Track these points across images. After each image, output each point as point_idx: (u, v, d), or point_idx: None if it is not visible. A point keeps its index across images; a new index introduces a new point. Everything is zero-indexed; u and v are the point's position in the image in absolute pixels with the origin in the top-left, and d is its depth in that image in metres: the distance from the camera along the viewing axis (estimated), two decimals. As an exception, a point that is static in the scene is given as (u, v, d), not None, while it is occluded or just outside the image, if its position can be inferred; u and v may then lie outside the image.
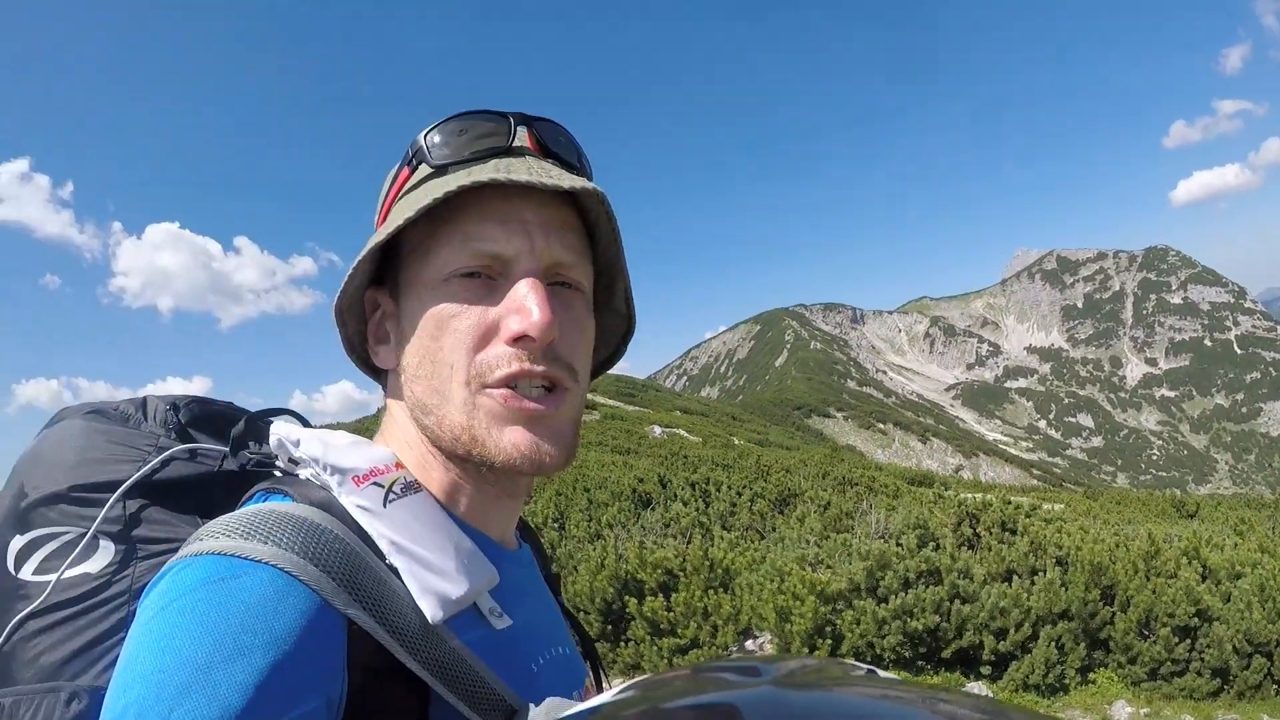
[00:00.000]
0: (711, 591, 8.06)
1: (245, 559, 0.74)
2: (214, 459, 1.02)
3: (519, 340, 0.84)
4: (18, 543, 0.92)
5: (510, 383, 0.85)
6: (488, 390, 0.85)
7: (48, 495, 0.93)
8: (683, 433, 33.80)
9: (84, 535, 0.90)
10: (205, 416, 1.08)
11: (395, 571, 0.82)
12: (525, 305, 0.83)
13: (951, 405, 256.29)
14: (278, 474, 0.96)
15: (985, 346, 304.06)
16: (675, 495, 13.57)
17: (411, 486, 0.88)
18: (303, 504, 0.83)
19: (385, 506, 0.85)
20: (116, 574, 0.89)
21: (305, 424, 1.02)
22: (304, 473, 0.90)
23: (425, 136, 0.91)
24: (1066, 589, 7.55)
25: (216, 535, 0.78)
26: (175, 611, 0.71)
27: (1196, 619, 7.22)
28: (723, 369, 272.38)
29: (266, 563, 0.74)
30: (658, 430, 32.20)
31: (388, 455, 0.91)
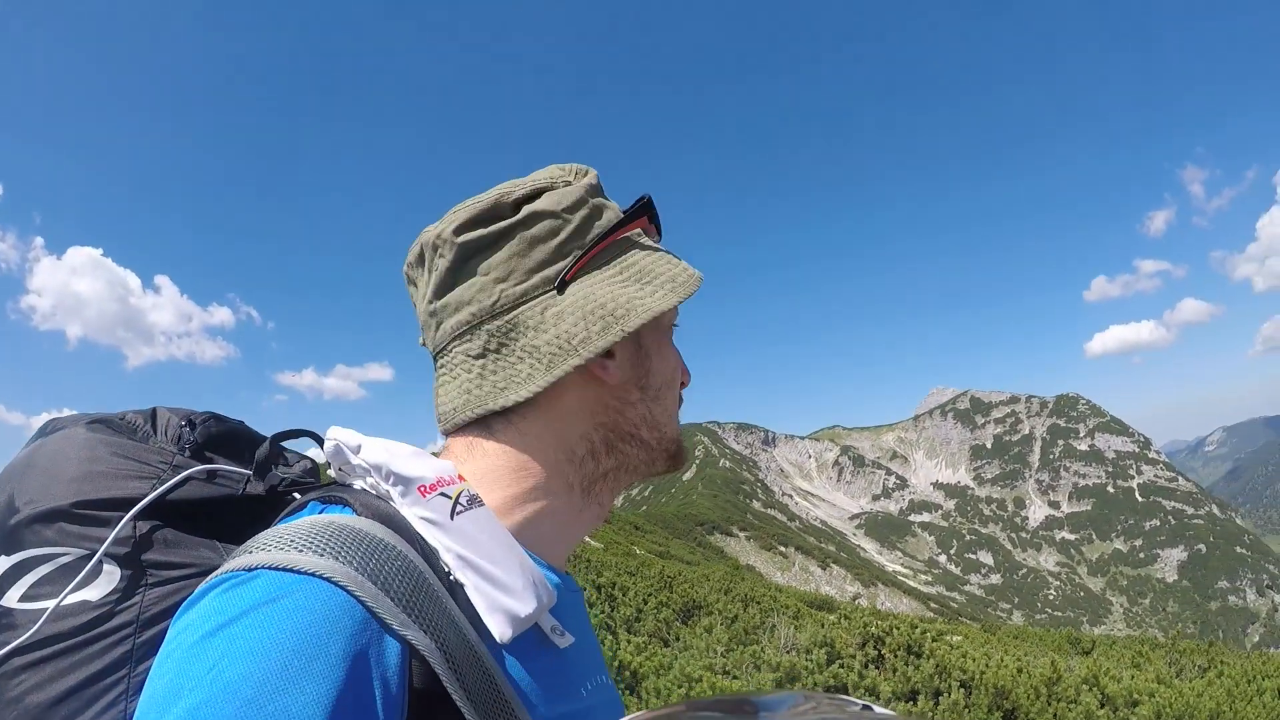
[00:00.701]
0: (621, 693, 7.96)
1: (301, 574, 0.70)
2: (235, 481, 0.99)
3: (684, 384, 1.07)
4: (3, 564, 0.85)
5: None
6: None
7: (45, 511, 0.86)
8: (585, 537, 33.51)
9: (88, 558, 0.84)
10: (221, 435, 1.05)
11: (459, 587, 0.79)
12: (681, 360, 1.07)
13: (854, 534, 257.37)
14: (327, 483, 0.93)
15: (893, 479, 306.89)
16: (582, 596, 13.42)
17: (476, 500, 0.85)
18: (364, 516, 0.79)
19: (452, 519, 0.82)
20: (121, 602, 0.84)
21: (321, 445, 0.98)
22: (359, 482, 0.87)
23: (649, 204, 1.02)
24: (969, 710, 7.63)
25: (270, 547, 0.73)
26: (225, 638, 0.66)
27: (1094, 747, 7.32)
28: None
29: (324, 578, 0.70)
30: (564, 533, 31.85)
31: (450, 467, 0.88)
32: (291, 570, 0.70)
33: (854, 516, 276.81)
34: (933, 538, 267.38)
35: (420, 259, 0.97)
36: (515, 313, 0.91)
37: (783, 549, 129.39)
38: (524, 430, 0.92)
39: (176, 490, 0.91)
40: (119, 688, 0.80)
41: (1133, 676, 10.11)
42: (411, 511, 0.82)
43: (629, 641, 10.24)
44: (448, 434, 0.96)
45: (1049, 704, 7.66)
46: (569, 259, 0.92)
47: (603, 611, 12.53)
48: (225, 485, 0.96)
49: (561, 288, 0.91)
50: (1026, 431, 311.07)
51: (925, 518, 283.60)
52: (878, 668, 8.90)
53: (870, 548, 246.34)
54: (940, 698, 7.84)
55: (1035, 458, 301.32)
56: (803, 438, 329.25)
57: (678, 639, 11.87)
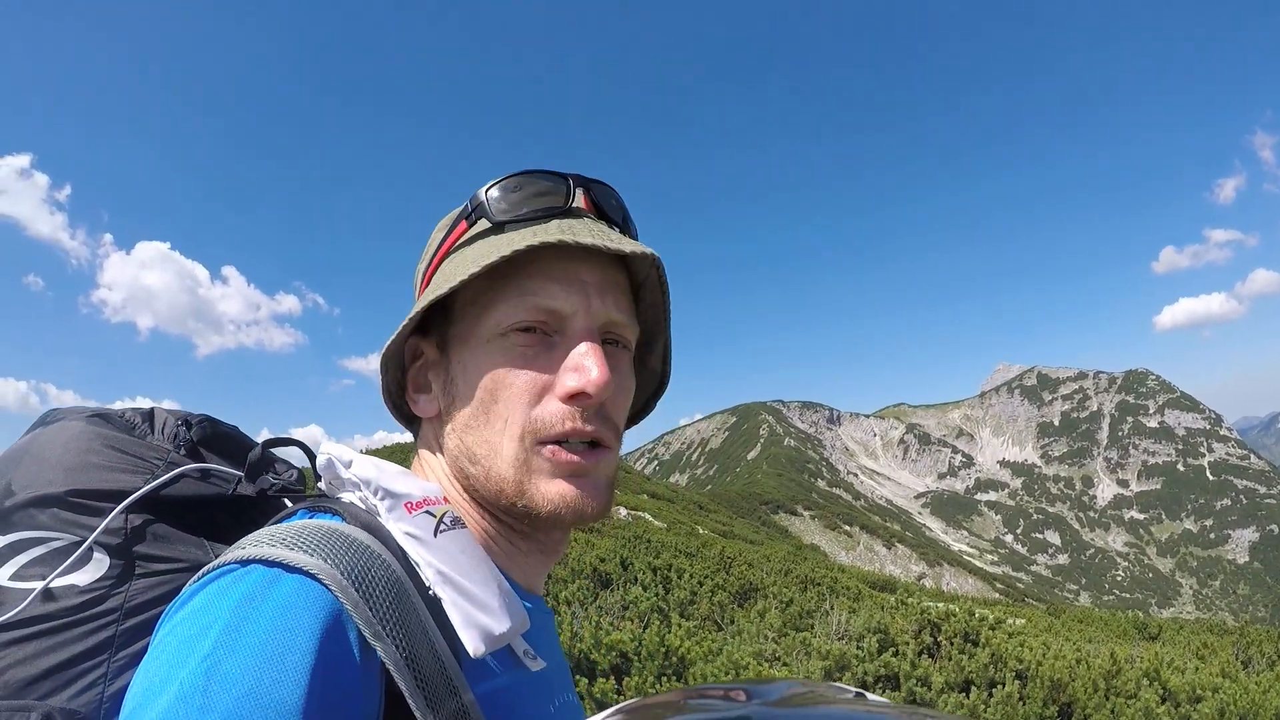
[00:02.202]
0: (665, 679, 7.89)
1: (292, 570, 0.72)
2: (227, 481, 1.01)
3: (575, 398, 0.87)
4: None
5: (561, 439, 0.88)
6: (539, 447, 0.87)
7: (40, 496, 0.89)
8: (648, 517, 33.49)
9: (78, 544, 0.86)
10: (216, 436, 1.07)
11: (438, 602, 0.81)
12: (584, 364, 0.86)
13: (920, 513, 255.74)
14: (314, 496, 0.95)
15: (959, 457, 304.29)
16: (635, 578, 13.39)
17: (459, 521, 0.88)
18: (352, 525, 0.82)
19: (435, 536, 0.84)
20: (108, 589, 0.86)
21: (309, 454, 1.02)
22: (347, 496, 0.89)
23: (486, 192, 0.92)
24: (1024, 703, 7.44)
25: (262, 544, 0.75)
26: (219, 630, 0.67)
27: (1154, 743, 7.11)
28: (694, 457, 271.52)
29: (312, 576, 0.72)
30: (623, 512, 31.88)
31: (437, 489, 0.90)
32: (282, 565, 0.72)
33: (919, 495, 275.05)
34: (999, 517, 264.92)
35: None
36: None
37: (847, 528, 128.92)
38: (424, 462, 0.99)
39: (170, 486, 0.94)
40: (98, 670, 0.82)
41: (1197, 669, 9.84)
42: (396, 526, 0.83)
43: (679, 626, 10.17)
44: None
45: (1107, 698, 7.45)
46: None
47: (657, 594, 12.48)
48: (217, 485, 1.00)
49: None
50: (1095, 408, 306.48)
51: (991, 496, 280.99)
52: (932, 656, 8.73)
53: (936, 527, 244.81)
54: (995, 689, 7.66)
55: (1104, 435, 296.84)
56: (868, 416, 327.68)
57: (732, 622, 11.79)
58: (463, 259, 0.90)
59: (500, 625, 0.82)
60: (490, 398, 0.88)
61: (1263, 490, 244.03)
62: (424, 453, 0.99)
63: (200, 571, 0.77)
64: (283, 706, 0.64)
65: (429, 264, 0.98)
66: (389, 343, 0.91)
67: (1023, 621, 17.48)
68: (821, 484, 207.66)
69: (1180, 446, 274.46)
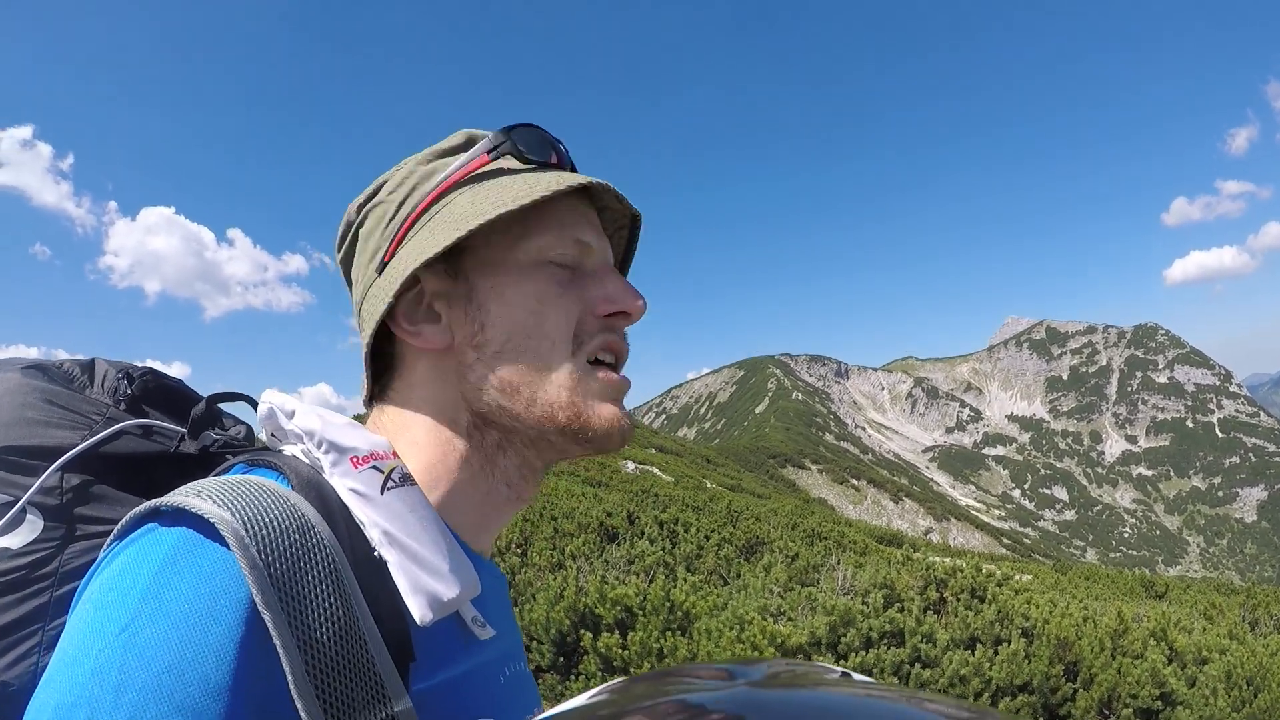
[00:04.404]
0: (669, 633, 7.88)
1: (201, 535, 0.67)
2: (169, 438, 0.95)
3: (615, 316, 0.90)
4: None
5: (600, 358, 0.89)
6: (591, 368, 0.88)
7: None
8: (656, 471, 33.59)
9: (10, 505, 0.81)
10: (159, 391, 1.02)
11: (383, 564, 0.76)
12: (623, 288, 0.90)
13: (927, 467, 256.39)
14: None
15: (967, 411, 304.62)
16: (642, 532, 13.39)
17: (408, 478, 0.83)
18: (291, 481, 0.77)
19: (382, 494, 0.79)
20: (43, 553, 0.81)
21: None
22: (289, 449, 0.84)
23: (513, 133, 0.90)
24: (1030, 661, 7.41)
25: (187, 494, 0.70)
26: (142, 599, 0.63)
27: (1160, 702, 7.08)
28: (702, 411, 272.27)
29: (225, 545, 0.66)
30: (631, 466, 31.96)
31: (385, 443, 0.86)
32: (191, 515, 0.68)
33: (927, 449, 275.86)
34: (1006, 472, 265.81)
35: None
36: (361, 309, 0.92)
37: (855, 482, 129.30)
38: (402, 406, 0.91)
39: (109, 444, 0.90)
40: (32, 640, 0.78)
41: (1204, 630, 9.82)
42: (341, 482, 0.79)
43: (685, 581, 10.16)
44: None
45: (1113, 658, 7.41)
46: (389, 240, 0.90)
47: (663, 549, 12.47)
48: (159, 442, 0.95)
49: (380, 269, 0.89)
50: (1104, 363, 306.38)
51: (999, 451, 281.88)
52: (938, 612, 8.70)
53: (943, 481, 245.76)
54: (1000, 647, 7.63)
55: (1112, 390, 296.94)
56: (876, 369, 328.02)
57: (738, 577, 11.79)
58: (499, 187, 0.86)
59: (449, 590, 0.78)
60: (536, 321, 0.86)
61: (1272, 448, 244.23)
62: (402, 401, 0.91)
63: (118, 527, 0.71)
64: (205, 684, 0.60)
65: (425, 195, 0.90)
66: (409, 270, 0.85)
67: (1029, 578, 17.50)
68: (829, 438, 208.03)
69: (1189, 403, 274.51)
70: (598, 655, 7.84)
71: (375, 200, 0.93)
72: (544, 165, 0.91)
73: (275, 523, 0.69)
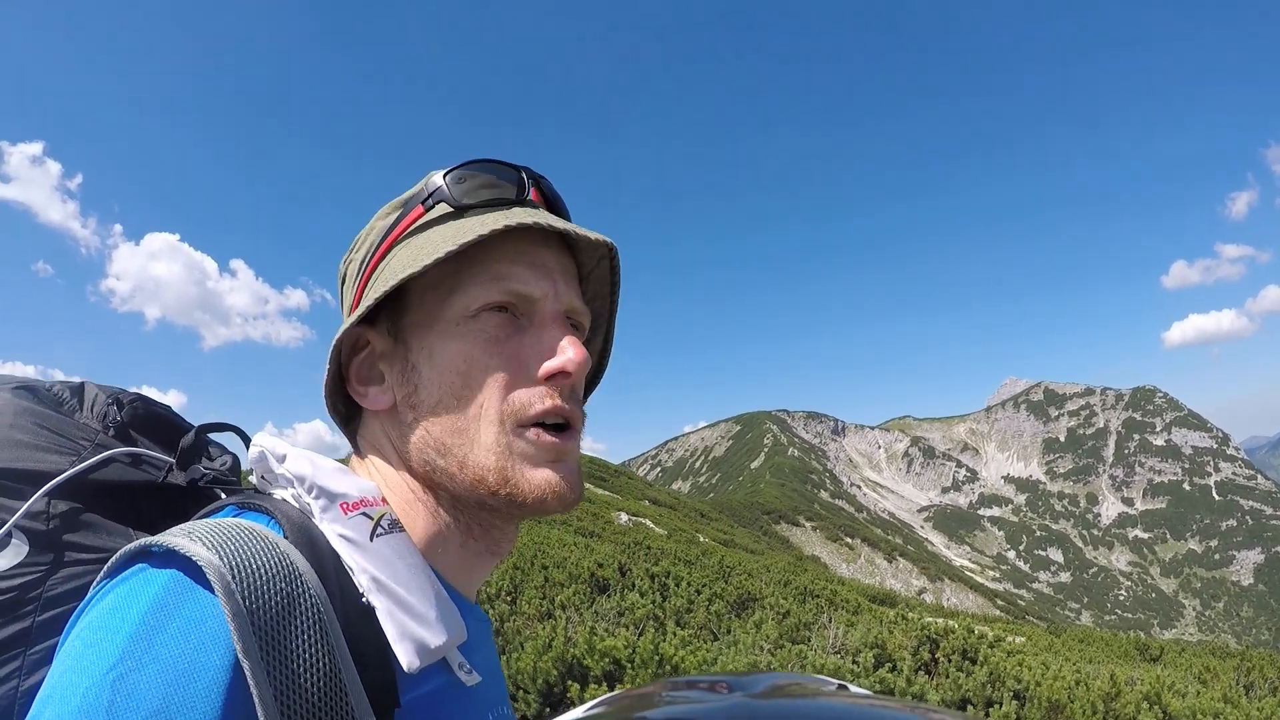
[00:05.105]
0: (657, 687, 7.80)
1: (191, 579, 0.67)
2: (158, 468, 0.95)
3: (553, 378, 0.84)
4: None
5: (540, 420, 0.84)
6: (521, 430, 0.83)
7: None
8: (649, 523, 33.40)
9: None
10: (148, 418, 1.01)
11: (372, 611, 0.75)
12: (561, 343, 0.84)
13: (922, 527, 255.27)
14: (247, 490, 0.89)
15: (963, 471, 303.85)
16: (633, 585, 13.29)
17: (397, 525, 0.83)
18: (283, 527, 0.76)
19: (371, 540, 0.79)
20: (28, 578, 0.81)
21: (247, 440, 0.94)
22: (280, 493, 0.82)
23: (444, 177, 0.88)
24: (1022, 724, 7.33)
25: (179, 535, 0.69)
26: (132, 640, 0.62)
27: (1152, 767, 7.00)
28: (698, 464, 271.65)
29: (212, 592, 0.66)
30: (624, 518, 31.80)
31: (374, 489, 0.85)
32: (182, 558, 0.67)
33: (922, 509, 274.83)
34: (1002, 533, 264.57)
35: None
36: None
37: (849, 540, 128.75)
38: (373, 456, 0.91)
39: (98, 471, 0.89)
40: (12, 664, 0.77)
41: (1198, 693, 9.71)
42: (331, 528, 0.78)
43: (675, 634, 10.07)
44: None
45: (1105, 721, 7.34)
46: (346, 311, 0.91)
47: (653, 602, 12.37)
48: (147, 472, 0.95)
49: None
50: (1101, 425, 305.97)
51: (995, 512, 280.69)
52: (929, 673, 8.63)
53: (938, 541, 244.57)
54: (992, 708, 7.55)
55: (1110, 452, 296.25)
56: (873, 428, 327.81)
57: (728, 632, 11.68)
58: (426, 241, 0.85)
59: (436, 638, 0.77)
60: (463, 382, 0.84)
61: (1269, 511, 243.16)
62: (369, 451, 0.91)
63: (108, 565, 0.71)
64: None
65: (373, 251, 0.90)
66: (342, 331, 0.85)
67: (1023, 640, 17.36)
68: (824, 495, 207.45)
69: (1186, 465, 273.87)
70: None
71: (350, 254, 0.94)
72: (492, 205, 0.88)
73: (263, 570, 0.68)
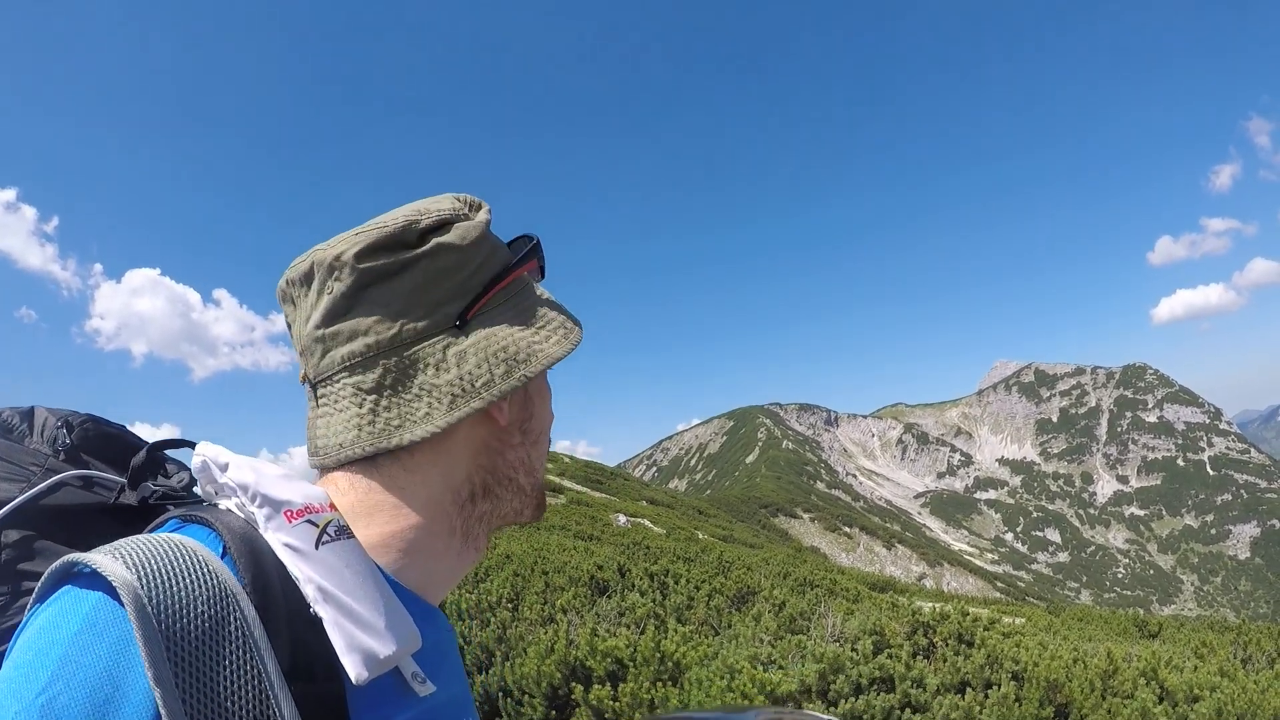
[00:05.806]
0: (660, 684, 7.87)
1: (114, 601, 0.65)
2: (110, 489, 0.94)
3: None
4: None
5: None
6: None
7: None
8: (647, 523, 33.48)
9: None
10: (99, 439, 1.00)
11: (319, 622, 0.73)
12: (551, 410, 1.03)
13: (919, 513, 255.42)
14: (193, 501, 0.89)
15: (957, 456, 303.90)
16: (633, 585, 13.37)
17: (344, 531, 0.80)
18: (224, 538, 0.74)
19: (317, 548, 0.76)
20: None
21: None
22: (225, 502, 0.81)
23: (538, 249, 1.00)
24: (1020, 704, 7.41)
25: (103, 554, 0.68)
26: (61, 663, 0.62)
27: (1151, 742, 7.09)
28: (693, 462, 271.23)
29: (117, 600, 0.65)
30: (622, 519, 31.88)
31: (322, 494, 0.83)
32: (104, 578, 0.66)
33: (919, 495, 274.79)
34: (999, 515, 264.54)
35: (307, 277, 0.87)
36: (415, 349, 0.85)
37: (847, 530, 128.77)
38: (411, 469, 0.86)
39: (48, 496, 0.88)
40: None
41: (1195, 668, 9.81)
42: (275, 537, 0.76)
43: (675, 631, 10.15)
44: (326, 468, 0.88)
45: (1103, 699, 7.42)
46: (470, 297, 0.87)
47: (654, 600, 12.45)
48: (99, 494, 0.93)
49: (463, 326, 0.86)
50: (1093, 404, 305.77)
51: (991, 495, 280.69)
52: (927, 658, 8.72)
53: (936, 526, 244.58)
54: (990, 690, 7.64)
55: (1103, 431, 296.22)
56: (865, 416, 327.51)
57: (728, 627, 11.76)
58: (556, 308, 0.97)
59: (386, 648, 0.75)
60: (551, 420, 1.00)
61: (1263, 485, 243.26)
62: (435, 456, 0.88)
63: (38, 586, 0.70)
64: None
65: (500, 269, 0.91)
66: (547, 363, 0.93)
67: (1021, 620, 17.47)
68: (820, 486, 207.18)
69: (1180, 441, 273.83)
70: (589, 708, 7.82)
71: (446, 240, 0.87)
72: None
73: (185, 590, 0.66)
